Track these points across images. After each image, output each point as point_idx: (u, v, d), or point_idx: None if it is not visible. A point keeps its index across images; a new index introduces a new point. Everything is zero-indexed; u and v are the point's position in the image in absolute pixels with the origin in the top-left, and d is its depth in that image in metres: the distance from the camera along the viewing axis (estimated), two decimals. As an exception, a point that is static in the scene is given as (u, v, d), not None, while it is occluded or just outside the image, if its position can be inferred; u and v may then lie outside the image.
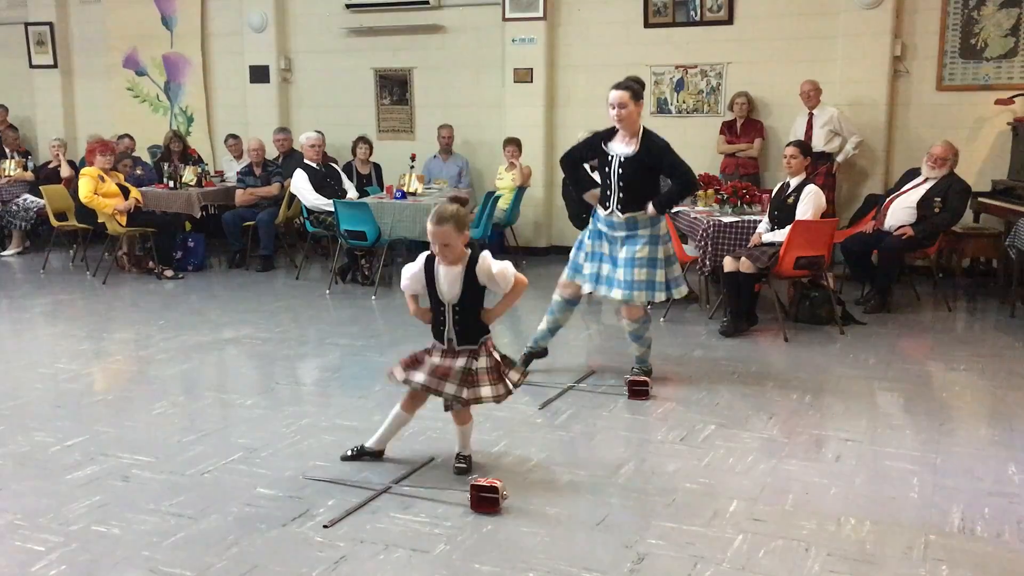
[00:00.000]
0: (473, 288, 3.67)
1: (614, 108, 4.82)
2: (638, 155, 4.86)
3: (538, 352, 5.44)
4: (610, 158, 4.91)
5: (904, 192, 7.05)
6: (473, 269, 3.64)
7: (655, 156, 4.90)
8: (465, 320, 3.70)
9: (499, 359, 3.79)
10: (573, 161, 5.19)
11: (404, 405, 3.90)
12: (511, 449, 4.19)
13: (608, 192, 4.96)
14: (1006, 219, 7.30)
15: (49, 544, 3.26)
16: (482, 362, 3.71)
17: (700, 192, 7.30)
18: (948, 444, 4.23)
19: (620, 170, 4.87)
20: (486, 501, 3.48)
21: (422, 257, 3.78)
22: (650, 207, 4.91)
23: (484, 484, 3.50)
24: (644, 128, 4.94)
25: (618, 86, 4.85)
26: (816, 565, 3.10)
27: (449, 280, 3.67)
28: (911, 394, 5.03)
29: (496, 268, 3.64)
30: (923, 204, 6.83)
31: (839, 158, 8.10)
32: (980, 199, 7.66)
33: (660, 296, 5.04)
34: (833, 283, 6.66)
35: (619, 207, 4.92)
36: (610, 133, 4.98)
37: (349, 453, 4.01)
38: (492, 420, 4.56)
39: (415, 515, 3.49)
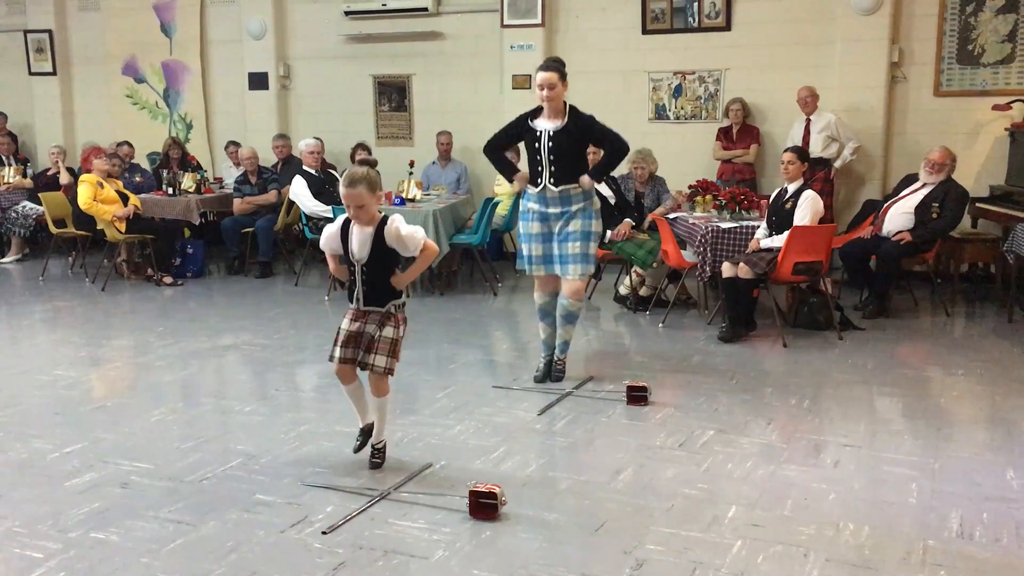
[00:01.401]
0: (381, 249, 3.75)
1: (543, 88, 4.98)
2: (566, 127, 5.01)
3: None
4: (539, 133, 5.05)
5: (902, 197, 7.06)
6: (382, 231, 3.72)
7: (584, 126, 5.06)
8: (372, 281, 3.80)
9: (400, 337, 3.86)
10: (497, 147, 5.33)
11: (344, 379, 3.95)
12: (510, 455, 4.19)
13: (539, 168, 5.08)
14: (1004, 224, 7.31)
15: (48, 551, 3.26)
16: (388, 332, 3.80)
17: (698, 198, 7.32)
18: (947, 449, 4.23)
19: (550, 143, 5.01)
20: (485, 507, 3.49)
21: (341, 218, 3.87)
22: (585, 178, 5.06)
23: (483, 490, 3.50)
24: (571, 106, 5.09)
25: (546, 68, 5.01)
26: (815, 570, 3.10)
27: (360, 240, 3.76)
28: (909, 399, 5.03)
29: (404, 231, 3.71)
30: (921, 209, 6.85)
31: (837, 164, 8.12)
32: (978, 204, 7.67)
33: (591, 268, 5.20)
34: (831, 288, 6.66)
35: (551, 181, 5.05)
36: (534, 113, 5.13)
37: (357, 444, 4.06)
38: (491, 426, 4.56)
39: (413, 521, 3.49)
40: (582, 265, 5.10)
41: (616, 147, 5.15)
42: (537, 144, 5.06)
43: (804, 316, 6.56)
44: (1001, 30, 7.97)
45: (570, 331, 5.31)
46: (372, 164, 3.79)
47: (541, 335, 5.42)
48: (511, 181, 5.37)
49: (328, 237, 3.91)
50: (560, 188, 5.05)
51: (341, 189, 3.72)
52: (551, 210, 5.12)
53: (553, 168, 5.03)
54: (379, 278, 3.80)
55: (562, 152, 5.02)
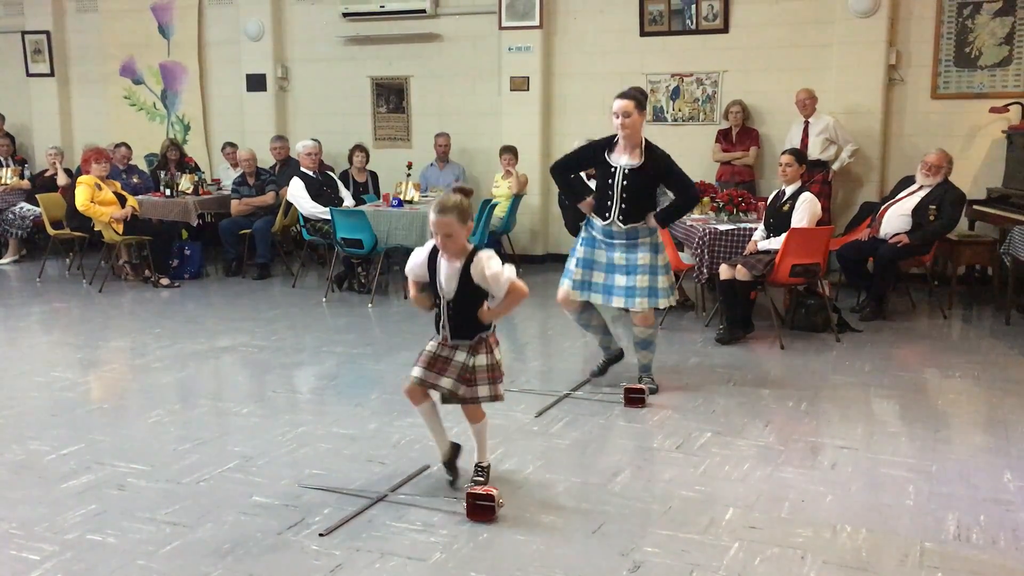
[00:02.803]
0: (469, 286, 3.55)
1: (618, 117, 4.78)
2: (644, 167, 4.84)
3: (613, 358, 5.42)
4: (613, 169, 4.88)
5: (899, 200, 7.07)
6: (469, 267, 3.54)
7: (660, 168, 4.89)
8: (459, 317, 3.61)
9: (498, 360, 3.70)
10: (566, 169, 5.14)
11: (413, 399, 3.74)
12: (507, 457, 4.19)
13: (609, 203, 4.91)
14: (1001, 227, 7.32)
15: (44, 553, 3.25)
16: (481, 360, 3.64)
17: (696, 200, 7.32)
18: (944, 451, 4.24)
19: (624, 181, 4.85)
20: (482, 509, 3.48)
21: (429, 244, 3.65)
22: (651, 218, 4.94)
23: (480, 492, 3.50)
24: (646, 139, 4.92)
25: (623, 95, 4.81)
26: (812, 573, 3.10)
27: (448, 275, 3.57)
28: (907, 401, 5.04)
29: (490, 271, 3.50)
30: (918, 212, 6.86)
31: (835, 166, 8.13)
32: (975, 207, 7.69)
33: (663, 303, 5.03)
34: (829, 291, 6.67)
35: (620, 218, 4.90)
36: (610, 143, 4.95)
37: (449, 479, 3.88)
38: (489, 428, 4.55)
39: (411, 523, 3.49)
40: (650, 299, 4.95)
41: (688, 196, 5.02)
42: (611, 180, 4.88)
43: (801, 318, 6.57)
44: (998, 33, 7.99)
45: (647, 356, 5.18)
46: (467, 193, 3.54)
47: (598, 344, 5.42)
48: (576, 204, 5.14)
49: (415, 265, 3.67)
50: (628, 226, 4.91)
51: (431, 216, 3.47)
52: (615, 241, 4.97)
53: (624, 205, 4.87)
54: (467, 313, 3.59)
55: (635, 191, 4.85)
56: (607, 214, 4.93)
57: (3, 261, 9.70)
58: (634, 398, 4.88)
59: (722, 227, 6.62)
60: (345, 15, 9.89)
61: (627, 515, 3.56)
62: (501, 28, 9.27)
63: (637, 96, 4.82)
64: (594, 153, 5.00)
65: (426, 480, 3.92)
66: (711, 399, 5.03)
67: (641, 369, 5.24)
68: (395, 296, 8.00)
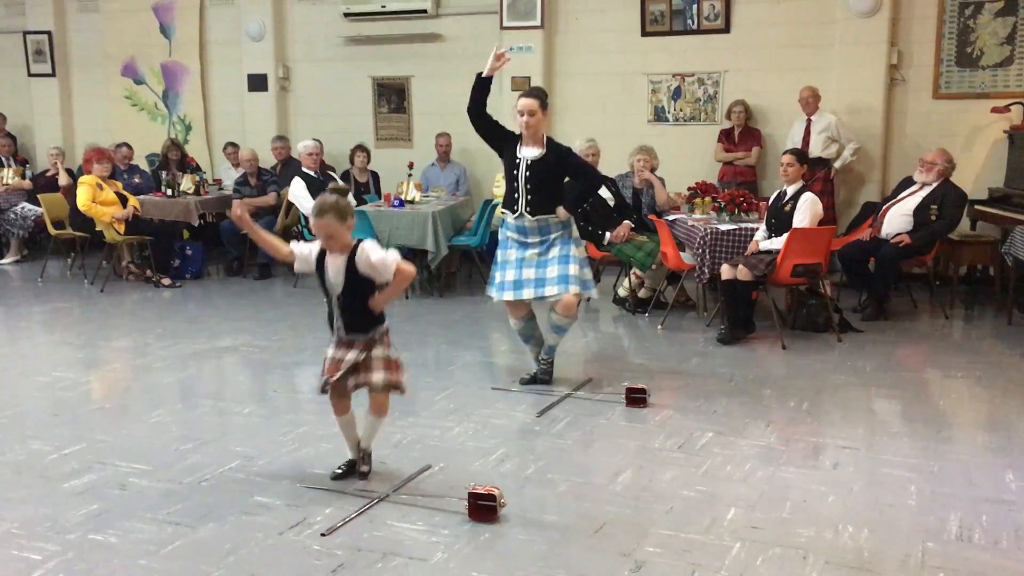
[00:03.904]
0: (355, 278, 3.66)
1: (523, 115, 4.97)
2: (545, 157, 5.02)
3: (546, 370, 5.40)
4: (518, 160, 5.05)
5: (900, 200, 7.07)
6: (354, 259, 3.64)
7: (561, 157, 5.07)
8: (350, 310, 3.72)
9: (396, 357, 3.81)
10: (480, 116, 5.12)
11: (335, 408, 3.89)
12: (508, 457, 4.19)
13: (516, 195, 5.08)
14: (1002, 227, 7.32)
15: (46, 553, 3.25)
16: (377, 352, 3.75)
17: (697, 200, 7.32)
18: (945, 451, 4.23)
19: (528, 172, 5.01)
20: (483, 509, 3.48)
21: (317, 244, 3.76)
22: (561, 210, 5.07)
23: (482, 492, 3.50)
24: (548, 136, 5.12)
25: (527, 94, 5.02)
26: (814, 573, 3.10)
27: (334, 270, 3.69)
28: (908, 401, 5.03)
29: (375, 257, 3.62)
30: (920, 212, 6.85)
31: (837, 164, 8.12)
32: (976, 207, 7.68)
33: (591, 292, 5.20)
34: (830, 291, 6.66)
35: (528, 209, 5.05)
36: (520, 138, 5.11)
37: (339, 471, 3.95)
38: (490, 428, 4.56)
39: (412, 523, 3.49)
40: (575, 285, 5.03)
41: (590, 180, 5.23)
42: (515, 171, 5.06)
43: (803, 318, 6.57)
44: (1000, 32, 7.98)
45: (558, 339, 5.30)
46: (343, 192, 3.70)
47: (530, 355, 5.43)
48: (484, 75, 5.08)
49: (301, 259, 3.77)
50: (537, 218, 5.06)
51: (311, 218, 3.67)
52: (530, 239, 5.12)
53: (530, 197, 5.03)
54: (357, 306, 3.70)
55: (539, 182, 5.01)
56: (515, 207, 5.09)
57: (5, 261, 9.70)
58: (635, 398, 4.88)
59: (723, 227, 6.62)
60: (346, 15, 9.88)
61: (629, 515, 3.56)
62: (502, 28, 9.26)
63: (540, 96, 5.04)
64: (508, 135, 5.14)
65: (428, 480, 3.92)
66: (713, 399, 5.03)
67: (546, 351, 5.31)
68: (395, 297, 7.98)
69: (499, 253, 5.25)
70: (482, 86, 5.07)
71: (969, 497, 3.72)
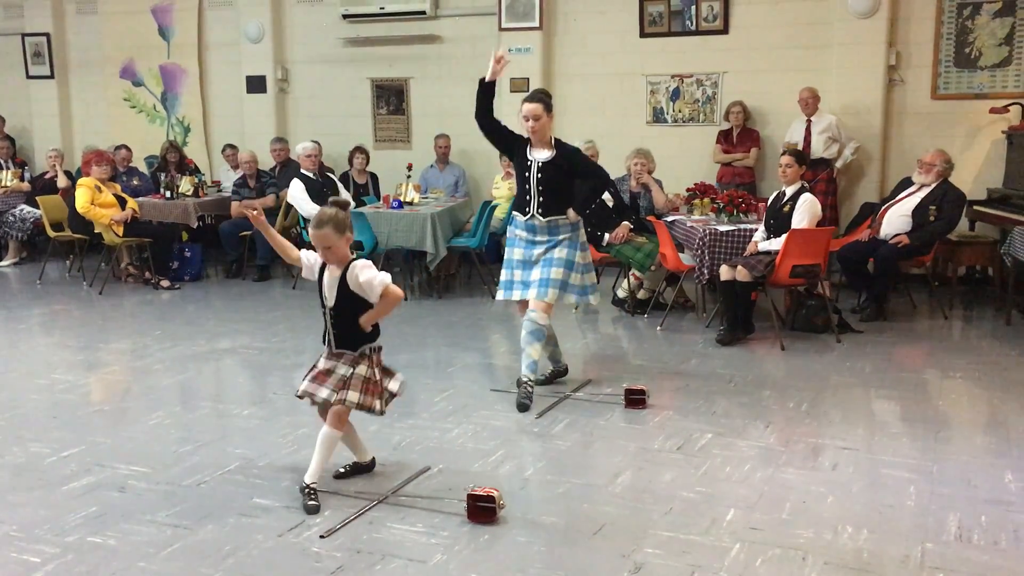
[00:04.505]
0: (347, 295, 3.67)
1: (528, 120, 4.96)
2: (555, 159, 5.02)
3: (559, 372, 5.41)
4: (529, 163, 5.05)
5: (899, 200, 7.08)
6: (346, 276, 3.67)
7: (570, 159, 5.07)
8: (340, 324, 3.73)
9: (379, 376, 3.76)
10: (488, 120, 5.12)
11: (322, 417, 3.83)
12: (508, 458, 4.19)
13: (528, 197, 5.07)
14: (1001, 227, 7.32)
15: (45, 555, 3.25)
16: (361, 370, 3.72)
17: (696, 201, 7.33)
18: (945, 452, 4.23)
19: (539, 174, 5.01)
20: (483, 511, 3.48)
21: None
22: (571, 212, 5.08)
23: (481, 494, 3.50)
24: (556, 138, 5.10)
25: (531, 99, 5.01)
26: (813, 574, 3.10)
27: (329, 283, 3.73)
28: (908, 402, 5.04)
29: (364, 277, 3.62)
30: (918, 212, 6.86)
31: (838, 164, 8.13)
32: (975, 207, 7.68)
33: (570, 299, 5.14)
34: (829, 291, 6.67)
35: (539, 211, 5.05)
36: (530, 141, 5.10)
37: (342, 471, 3.96)
38: (489, 430, 4.56)
39: (411, 525, 3.48)
40: (558, 291, 5.00)
41: (598, 180, 5.22)
42: (527, 173, 5.05)
43: (802, 319, 6.57)
44: (998, 33, 7.99)
45: (538, 348, 5.01)
46: (343, 206, 3.70)
47: (544, 355, 5.37)
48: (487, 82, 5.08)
49: (307, 268, 3.82)
50: (548, 219, 5.05)
51: (310, 229, 3.68)
52: (538, 238, 5.11)
53: (541, 199, 5.03)
54: (348, 321, 3.70)
55: (550, 184, 5.01)
56: (527, 208, 5.09)
57: (4, 263, 9.70)
58: (635, 399, 4.88)
59: (722, 228, 6.62)
60: (345, 17, 9.89)
61: (628, 516, 3.56)
62: (501, 29, 9.27)
63: (544, 99, 5.03)
64: (518, 139, 5.13)
65: (427, 482, 3.92)
66: (712, 400, 5.03)
67: (527, 367, 4.93)
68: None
69: (506, 251, 5.27)
70: (486, 92, 5.07)
71: (968, 498, 3.72)
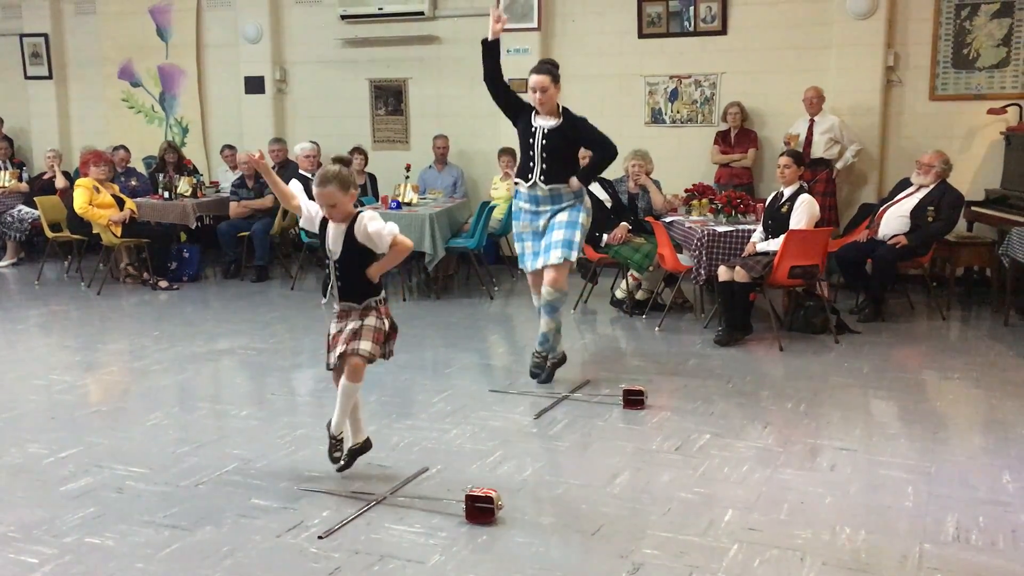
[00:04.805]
0: (353, 247, 3.71)
1: (535, 91, 5.02)
2: (561, 127, 5.06)
3: (557, 360, 5.41)
4: (534, 129, 5.08)
5: (897, 201, 7.08)
6: (353, 228, 3.69)
7: (577, 127, 5.10)
8: (346, 276, 3.78)
9: (387, 327, 3.84)
10: (496, 80, 5.24)
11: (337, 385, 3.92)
12: (506, 459, 4.19)
13: (531, 163, 5.10)
14: (999, 228, 7.33)
15: (43, 556, 3.25)
16: (370, 320, 3.78)
17: (694, 202, 7.33)
18: (942, 453, 4.24)
19: (544, 141, 5.04)
20: (481, 511, 3.48)
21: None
22: (573, 180, 5.10)
23: (479, 494, 3.50)
24: (562, 106, 5.13)
25: (538, 70, 5.05)
26: (811, 574, 3.10)
27: (334, 236, 3.75)
28: (905, 403, 5.04)
29: (372, 228, 3.66)
30: (916, 213, 6.86)
31: (838, 165, 8.13)
32: (973, 208, 7.69)
33: (574, 255, 5.11)
34: (827, 292, 6.67)
35: (542, 178, 5.08)
36: (534, 109, 5.15)
37: (343, 462, 3.97)
38: (487, 430, 4.56)
39: (410, 526, 3.48)
40: (563, 249, 5.04)
41: (605, 151, 5.20)
42: (531, 139, 5.09)
43: (800, 320, 6.57)
44: (996, 34, 7.99)
45: (551, 323, 5.19)
46: (346, 163, 3.75)
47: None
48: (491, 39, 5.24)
49: (307, 219, 3.87)
50: (550, 187, 5.09)
51: (314, 188, 3.70)
52: (541, 208, 5.17)
53: (545, 166, 5.07)
54: (353, 274, 3.77)
55: (555, 151, 5.06)
56: (529, 175, 5.12)
57: (1, 264, 9.68)
58: (633, 400, 4.88)
59: (720, 229, 6.62)
60: (343, 17, 9.88)
61: (626, 517, 3.56)
62: (500, 30, 9.26)
63: (551, 71, 5.06)
64: (524, 105, 5.17)
65: (425, 482, 3.91)
66: (710, 401, 5.03)
67: (539, 340, 5.21)
68: (393, 298, 7.98)
69: (514, 224, 5.33)
70: (490, 52, 5.17)
71: (966, 498, 3.72)
